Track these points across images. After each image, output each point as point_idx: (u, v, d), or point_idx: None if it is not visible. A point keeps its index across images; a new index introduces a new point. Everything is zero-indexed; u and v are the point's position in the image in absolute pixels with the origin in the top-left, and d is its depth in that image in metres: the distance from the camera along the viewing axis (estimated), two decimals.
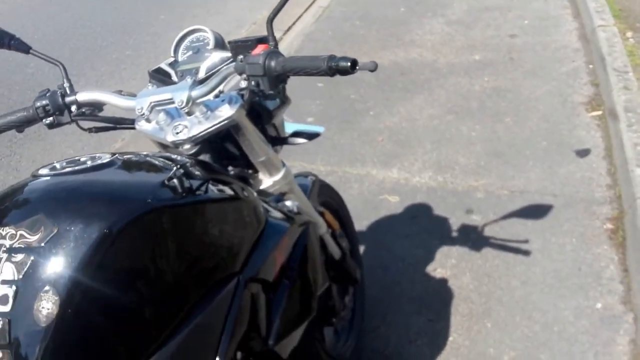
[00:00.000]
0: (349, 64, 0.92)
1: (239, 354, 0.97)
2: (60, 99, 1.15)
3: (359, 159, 2.80)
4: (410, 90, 3.39)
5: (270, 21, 1.04)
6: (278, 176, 1.28)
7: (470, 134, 2.93)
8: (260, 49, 1.01)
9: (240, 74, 1.01)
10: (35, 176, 0.89)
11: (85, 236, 0.77)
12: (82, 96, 1.16)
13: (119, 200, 0.83)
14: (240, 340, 0.97)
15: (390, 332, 1.92)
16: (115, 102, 1.15)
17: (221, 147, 1.23)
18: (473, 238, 2.28)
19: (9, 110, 1.20)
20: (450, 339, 1.88)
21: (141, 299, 0.82)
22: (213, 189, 0.97)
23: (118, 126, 1.22)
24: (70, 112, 1.16)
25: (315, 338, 1.46)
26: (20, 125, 1.18)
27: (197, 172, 0.97)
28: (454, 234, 2.32)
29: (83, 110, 1.17)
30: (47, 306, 0.75)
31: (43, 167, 0.92)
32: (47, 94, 1.15)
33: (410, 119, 3.09)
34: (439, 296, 2.04)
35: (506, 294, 2.02)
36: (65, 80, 1.18)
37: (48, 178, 0.87)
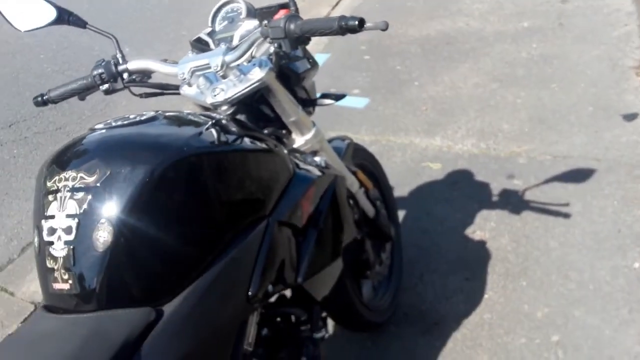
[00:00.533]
0: (357, 22, 1.01)
1: (270, 287, 1.09)
2: (113, 68, 1.29)
3: (402, 128, 2.87)
4: (455, 59, 3.41)
5: None
6: (309, 135, 1.39)
7: (515, 100, 2.94)
8: (281, 13, 1.11)
9: (265, 38, 1.12)
10: (92, 130, 1.03)
11: (132, 177, 0.90)
12: (133, 65, 1.30)
13: (161, 147, 0.96)
14: (271, 275, 1.09)
15: (427, 289, 2.01)
16: (160, 69, 1.28)
17: (257, 110, 1.35)
18: (513, 202, 2.32)
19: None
20: (486, 296, 1.95)
21: (181, 231, 0.95)
22: (245, 141, 1.08)
23: (165, 92, 1.35)
24: (122, 79, 1.30)
25: (351, 288, 1.57)
26: (81, 92, 1.34)
27: (230, 127, 1.09)
28: (494, 198, 2.37)
29: (134, 77, 1.31)
30: (103, 235, 0.89)
31: (99, 123, 1.06)
32: (102, 64, 1.30)
33: (455, 88, 3.12)
34: (476, 257, 2.11)
35: (543, 254, 2.06)
36: (117, 51, 1.32)
37: (103, 131, 1.01)
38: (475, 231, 2.22)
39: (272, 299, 1.25)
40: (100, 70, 1.29)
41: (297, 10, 1.14)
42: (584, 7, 3.78)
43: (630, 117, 2.68)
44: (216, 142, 1.02)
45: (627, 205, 2.20)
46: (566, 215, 2.20)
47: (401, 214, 2.29)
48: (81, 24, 1.33)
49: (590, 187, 2.31)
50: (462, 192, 2.42)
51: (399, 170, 2.55)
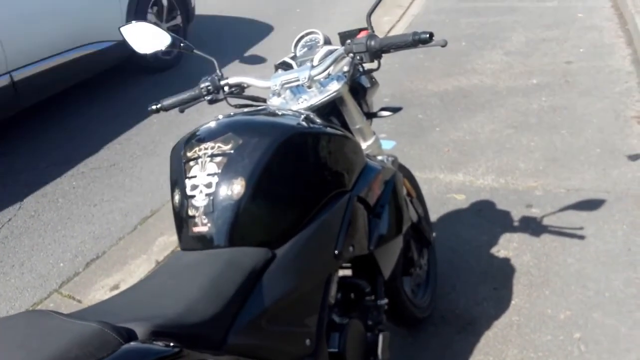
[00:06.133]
0: (428, 35, 1.31)
1: (350, 249, 1.35)
2: (217, 81, 1.60)
3: (427, 166, 3.17)
4: (472, 109, 3.75)
5: (368, 15, 1.47)
6: (370, 141, 1.69)
7: (529, 144, 3.25)
8: (363, 34, 1.43)
9: (347, 54, 1.43)
10: (217, 118, 1.32)
11: (260, 145, 1.19)
12: (232, 80, 1.62)
13: (278, 126, 1.26)
14: (351, 239, 1.35)
15: (460, 297, 2.24)
16: (255, 83, 1.60)
17: (328, 120, 1.65)
18: (532, 226, 2.58)
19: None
20: (513, 302, 2.18)
21: (294, 190, 1.22)
22: (332, 129, 1.38)
23: (254, 103, 1.66)
24: (223, 91, 1.61)
25: (399, 279, 1.82)
26: (189, 102, 1.64)
27: (318, 119, 1.39)
28: (515, 223, 2.63)
29: (232, 90, 1.62)
30: (237, 188, 1.17)
31: (219, 115, 1.36)
32: (209, 79, 1.61)
33: (473, 133, 3.44)
34: (502, 270, 2.35)
35: (562, 268, 2.31)
36: (218, 70, 1.64)
37: (227, 118, 1.31)
38: (500, 250, 2.47)
39: (346, 270, 1.51)
40: (207, 84, 1.60)
41: (374, 31, 1.45)
42: (588, 67, 4.17)
43: (634, 158, 2.97)
44: (314, 126, 1.31)
45: (635, 229, 2.46)
46: (581, 237, 2.46)
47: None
48: (190, 48, 1.66)
49: (602, 214, 2.58)
50: (486, 218, 2.69)
51: (426, 200, 2.80)
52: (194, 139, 1.27)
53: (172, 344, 0.86)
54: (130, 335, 0.83)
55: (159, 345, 0.84)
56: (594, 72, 4.08)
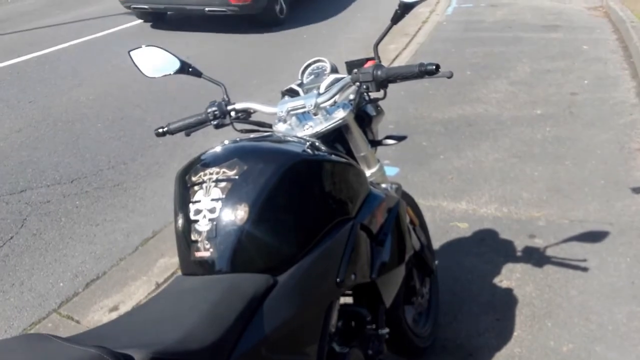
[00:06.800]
0: (434, 67, 1.32)
1: (352, 277, 1.34)
2: (224, 106, 1.61)
3: (430, 193, 3.17)
4: (476, 138, 3.77)
5: (376, 45, 1.49)
6: (374, 169, 1.69)
7: (532, 173, 3.25)
8: (369, 63, 1.45)
9: (354, 82, 1.44)
10: (223, 143, 1.33)
11: (265, 172, 1.19)
12: (239, 105, 1.63)
13: (283, 152, 1.26)
14: (354, 267, 1.35)
15: (462, 327, 2.22)
16: (261, 109, 1.61)
17: (333, 147, 1.65)
18: (535, 257, 2.57)
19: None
20: (515, 334, 2.16)
21: (297, 217, 1.22)
22: (336, 156, 1.38)
23: (260, 129, 1.67)
24: (230, 116, 1.62)
25: (401, 308, 1.80)
26: (195, 126, 1.65)
27: (323, 146, 1.39)
28: (518, 253, 2.62)
29: (239, 115, 1.63)
30: (241, 213, 1.17)
31: (225, 140, 1.36)
32: (216, 103, 1.62)
33: (477, 162, 3.45)
34: (505, 301, 2.33)
35: (565, 300, 2.29)
36: (225, 95, 1.65)
37: (233, 143, 1.31)
38: (502, 280, 2.45)
39: (346, 299, 1.50)
40: (214, 108, 1.61)
41: (380, 61, 1.47)
42: (592, 98, 4.19)
43: (638, 190, 2.97)
44: (319, 153, 1.32)
45: (639, 262, 2.45)
46: (584, 269, 2.45)
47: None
48: (198, 73, 1.67)
49: (605, 247, 2.56)
50: (489, 247, 2.67)
51: (429, 228, 2.80)
52: (199, 164, 1.27)
53: None
54: None
55: None
56: (599, 103, 4.10)
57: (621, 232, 2.65)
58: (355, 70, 1.43)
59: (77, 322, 2.46)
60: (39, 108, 4.82)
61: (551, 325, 2.17)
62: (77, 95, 5.07)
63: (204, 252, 1.18)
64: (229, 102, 1.63)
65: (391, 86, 1.51)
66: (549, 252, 2.59)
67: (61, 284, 2.69)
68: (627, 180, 3.07)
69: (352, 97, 1.56)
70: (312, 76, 1.73)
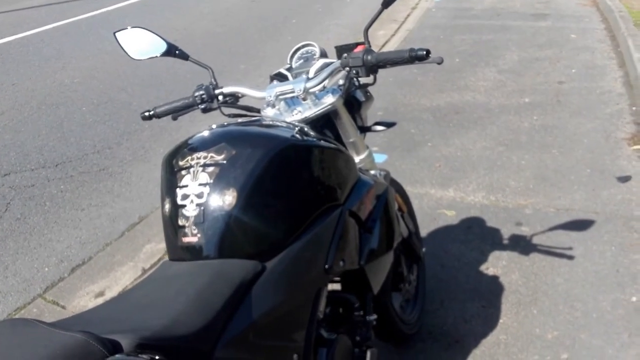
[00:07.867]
0: (425, 52, 1.31)
1: (341, 263, 1.34)
2: (211, 90, 1.59)
3: (418, 181, 3.17)
4: (464, 126, 3.77)
5: (366, 30, 1.47)
6: (363, 155, 1.68)
7: (519, 162, 3.26)
8: (359, 48, 1.43)
9: (344, 67, 1.43)
10: (211, 127, 1.31)
11: (253, 156, 1.18)
12: (227, 89, 1.60)
13: (272, 137, 1.25)
14: (342, 253, 1.34)
15: (448, 313, 2.23)
16: (249, 93, 1.59)
17: (321, 132, 1.64)
18: (522, 245, 2.58)
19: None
20: (501, 321, 2.18)
21: (284, 202, 1.21)
22: (325, 141, 1.37)
23: (248, 113, 1.65)
24: (217, 100, 1.60)
25: (388, 294, 1.80)
26: (182, 110, 1.62)
27: (311, 132, 1.38)
28: (505, 241, 2.63)
29: (227, 99, 1.61)
30: (228, 199, 1.15)
31: (212, 124, 1.34)
32: (203, 87, 1.60)
33: (465, 149, 3.45)
34: (491, 288, 2.34)
35: (551, 288, 2.31)
36: (212, 79, 1.63)
37: (221, 127, 1.29)
38: (489, 268, 2.46)
39: (335, 285, 1.50)
40: (201, 92, 1.59)
41: (370, 46, 1.45)
42: (579, 87, 4.21)
43: (623, 179, 2.99)
44: (308, 138, 1.30)
45: (624, 250, 2.47)
46: (570, 257, 2.46)
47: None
48: (185, 56, 1.64)
49: (591, 235, 2.58)
50: (476, 235, 2.68)
51: (417, 215, 2.81)
52: (186, 148, 1.25)
53: (157, 357, 0.84)
54: (115, 347, 0.81)
55: (144, 358, 0.83)
56: (586, 92, 4.12)
57: (606, 221, 2.67)
58: (345, 54, 1.42)
59: (63, 307, 2.44)
60: (22, 90, 4.74)
61: (537, 313, 2.19)
62: (61, 78, 5.00)
63: (192, 237, 1.17)
64: (216, 86, 1.61)
65: (380, 72, 1.49)
66: (535, 240, 2.60)
67: (46, 269, 2.66)
68: (612, 169, 3.09)
69: (341, 82, 1.54)
70: (301, 60, 1.71)
